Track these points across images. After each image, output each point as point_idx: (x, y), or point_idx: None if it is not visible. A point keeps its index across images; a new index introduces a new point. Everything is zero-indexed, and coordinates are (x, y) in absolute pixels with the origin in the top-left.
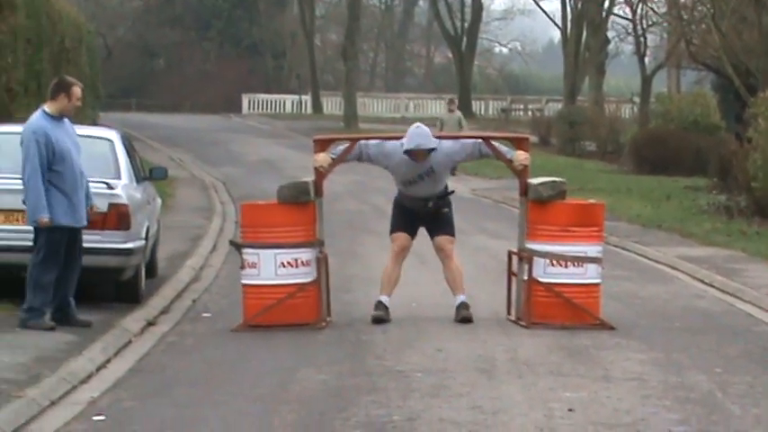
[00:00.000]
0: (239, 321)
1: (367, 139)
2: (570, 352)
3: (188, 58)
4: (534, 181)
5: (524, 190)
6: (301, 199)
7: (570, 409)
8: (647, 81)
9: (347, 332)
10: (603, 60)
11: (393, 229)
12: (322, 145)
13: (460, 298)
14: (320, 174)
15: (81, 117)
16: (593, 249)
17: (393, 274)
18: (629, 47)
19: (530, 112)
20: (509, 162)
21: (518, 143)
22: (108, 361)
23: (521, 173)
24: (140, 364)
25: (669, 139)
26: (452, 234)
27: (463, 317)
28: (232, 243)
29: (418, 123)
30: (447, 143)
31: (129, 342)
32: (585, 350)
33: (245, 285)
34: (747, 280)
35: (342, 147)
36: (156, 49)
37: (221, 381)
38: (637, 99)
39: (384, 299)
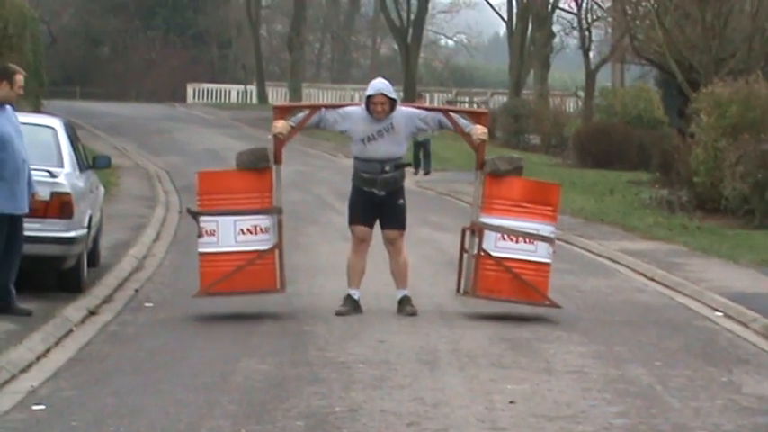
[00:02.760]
0: (182, 311)
1: (326, 107)
2: (512, 344)
3: (132, 46)
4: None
5: (481, 164)
6: (260, 165)
7: (511, 401)
8: (591, 75)
9: (289, 323)
10: (548, 54)
11: (351, 221)
12: (282, 112)
13: (403, 292)
14: (280, 141)
15: (24, 105)
16: (545, 228)
17: (357, 265)
18: (573, 41)
19: (475, 105)
20: (467, 136)
21: (477, 117)
22: (48, 350)
23: (478, 147)
24: (81, 354)
25: (612, 133)
26: (403, 228)
27: (408, 313)
28: (189, 211)
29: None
30: (408, 107)
31: (70, 331)
32: (527, 342)
33: (202, 254)
34: (688, 274)
35: (302, 114)
36: (101, 37)
37: (162, 370)
38: (581, 93)
39: (353, 292)
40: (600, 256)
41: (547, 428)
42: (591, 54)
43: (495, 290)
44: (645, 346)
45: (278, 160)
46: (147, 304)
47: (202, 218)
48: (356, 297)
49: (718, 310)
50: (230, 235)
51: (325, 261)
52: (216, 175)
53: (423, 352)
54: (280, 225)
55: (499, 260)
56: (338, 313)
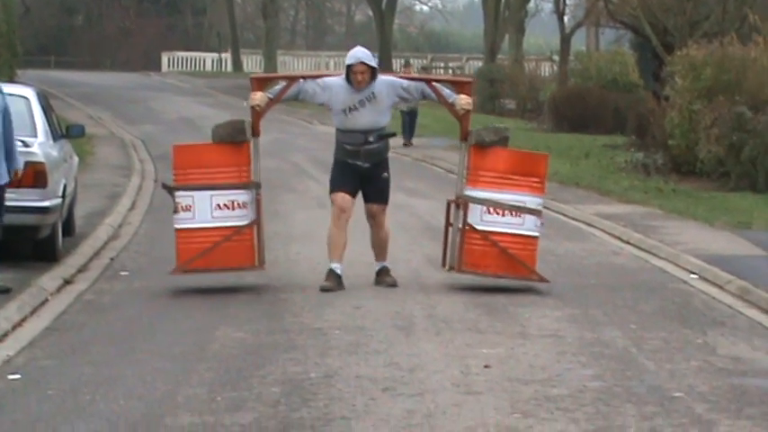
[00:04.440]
0: (158, 280)
1: (305, 77)
2: (487, 309)
3: (107, 14)
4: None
5: (465, 135)
6: (237, 138)
7: (486, 366)
8: (566, 39)
9: (266, 291)
10: (523, 18)
11: (332, 189)
12: (259, 83)
13: (382, 264)
14: (257, 113)
15: None
16: (532, 200)
17: (339, 239)
18: (548, 5)
19: (450, 70)
20: (451, 106)
21: (460, 87)
22: (24, 320)
23: (462, 117)
24: (57, 323)
25: (588, 97)
26: (386, 202)
27: (388, 284)
28: (164, 186)
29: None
30: (390, 76)
31: (46, 300)
32: (503, 307)
33: (178, 230)
34: (664, 237)
35: (280, 86)
36: (75, 6)
37: (139, 339)
38: (556, 57)
39: (335, 266)
40: (575, 219)
41: (522, 392)
42: (566, 18)
43: (482, 265)
44: (620, 309)
45: (255, 132)
46: (122, 273)
47: (178, 193)
48: (339, 272)
49: (694, 273)
50: (207, 210)
51: (302, 229)
52: (191, 148)
53: (398, 318)
54: (258, 201)
55: (485, 234)
56: (323, 289)
